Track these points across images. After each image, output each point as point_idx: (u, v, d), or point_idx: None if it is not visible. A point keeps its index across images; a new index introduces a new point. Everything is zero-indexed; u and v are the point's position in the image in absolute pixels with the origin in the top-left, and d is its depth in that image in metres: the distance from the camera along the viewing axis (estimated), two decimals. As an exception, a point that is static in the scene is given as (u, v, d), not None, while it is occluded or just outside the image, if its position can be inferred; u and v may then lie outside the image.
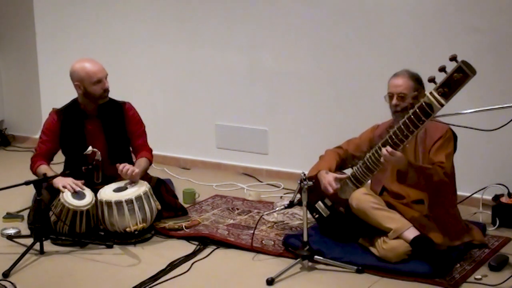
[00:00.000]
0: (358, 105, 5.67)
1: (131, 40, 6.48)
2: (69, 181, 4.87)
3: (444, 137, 4.50)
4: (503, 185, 5.16)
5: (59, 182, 4.87)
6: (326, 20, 5.69)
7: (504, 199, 5.06)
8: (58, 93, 6.26)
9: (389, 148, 4.27)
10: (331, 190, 4.58)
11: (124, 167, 4.89)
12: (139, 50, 6.47)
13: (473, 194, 5.25)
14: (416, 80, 4.46)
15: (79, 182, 4.89)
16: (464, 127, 4.48)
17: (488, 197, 5.20)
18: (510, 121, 4.25)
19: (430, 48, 5.32)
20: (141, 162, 5.07)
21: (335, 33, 5.67)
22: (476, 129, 4.41)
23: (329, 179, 4.59)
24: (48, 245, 4.78)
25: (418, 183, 4.42)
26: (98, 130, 5.10)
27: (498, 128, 4.31)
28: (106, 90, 5.01)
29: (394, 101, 4.45)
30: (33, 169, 5.05)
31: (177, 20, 6.27)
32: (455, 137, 4.56)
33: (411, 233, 4.38)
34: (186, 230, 5.00)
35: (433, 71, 4.24)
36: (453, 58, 4.04)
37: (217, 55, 6.15)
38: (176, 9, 6.26)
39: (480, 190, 5.25)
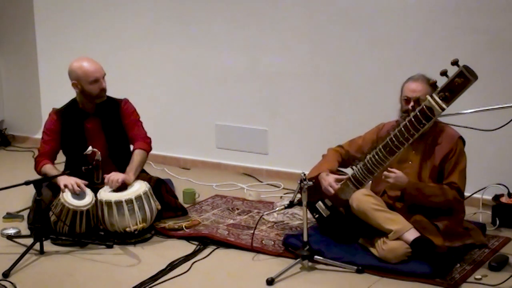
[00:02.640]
0: (358, 105, 5.67)
1: (131, 40, 6.48)
2: (72, 180, 4.86)
3: (456, 151, 4.47)
4: (503, 185, 5.16)
5: (61, 181, 4.88)
6: (326, 20, 5.69)
7: (504, 199, 5.06)
8: (58, 93, 6.24)
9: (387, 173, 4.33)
10: (332, 191, 4.58)
11: (109, 177, 4.88)
12: (139, 50, 6.46)
13: (473, 194, 5.25)
14: (431, 85, 4.41)
15: (82, 183, 4.88)
16: (465, 127, 4.48)
17: (488, 197, 5.20)
18: (510, 121, 4.26)
19: (430, 48, 5.32)
20: (134, 158, 5.05)
21: (335, 34, 5.67)
22: (476, 129, 4.42)
23: (329, 181, 4.59)
24: (48, 245, 4.78)
25: (426, 203, 4.44)
26: (98, 129, 5.10)
27: (498, 128, 4.31)
28: (103, 90, 5.01)
29: (411, 105, 4.42)
30: (38, 169, 5.06)
31: (177, 21, 6.26)
32: (464, 144, 4.54)
33: (412, 234, 4.38)
34: (186, 230, 5.00)
35: (432, 71, 4.25)
36: (455, 63, 4.05)
37: (217, 55, 6.15)
38: (176, 9, 6.25)
39: (480, 190, 5.25)
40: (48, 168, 5.00)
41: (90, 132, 5.10)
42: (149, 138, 5.18)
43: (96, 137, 5.08)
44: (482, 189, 5.25)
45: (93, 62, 5.01)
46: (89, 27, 6.64)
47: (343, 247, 4.60)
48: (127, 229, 4.79)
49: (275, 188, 5.89)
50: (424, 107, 4.17)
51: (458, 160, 4.47)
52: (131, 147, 5.19)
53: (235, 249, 4.78)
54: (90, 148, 4.97)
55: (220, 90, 6.21)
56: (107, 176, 4.90)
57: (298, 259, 4.46)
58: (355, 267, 4.41)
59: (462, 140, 4.53)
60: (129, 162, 5.03)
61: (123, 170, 5.00)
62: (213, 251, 4.76)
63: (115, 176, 4.88)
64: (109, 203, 4.80)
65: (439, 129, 4.52)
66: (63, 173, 4.93)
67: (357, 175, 4.52)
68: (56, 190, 4.90)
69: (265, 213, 5.09)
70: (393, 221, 4.42)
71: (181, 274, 4.46)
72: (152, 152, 5.24)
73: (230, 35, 6.08)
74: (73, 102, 5.15)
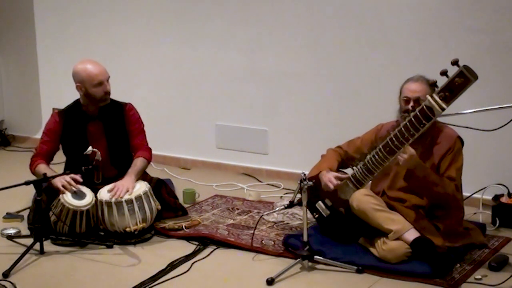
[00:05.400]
0: (358, 105, 5.67)
1: (131, 40, 6.48)
2: (67, 178, 4.86)
3: (453, 149, 4.48)
4: (503, 185, 5.16)
5: (58, 181, 4.87)
6: (326, 20, 5.69)
7: (504, 199, 5.06)
8: (58, 93, 6.27)
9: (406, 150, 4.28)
10: (331, 187, 4.57)
11: (116, 192, 4.84)
12: (139, 50, 6.46)
13: (473, 194, 5.25)
14: (431, 86, 4.40)
15: (77, 176, 4.86)
16: (464, 127, 4.48)
17: (488, 197, 5.20)
18: (510, 121, 4.25)
19: (430, 48, 5.32)
20: (137, 163, 5.06)
21: (335, 34, 5.67)
22: (476, 129, 4.41)
23: (329, 177, 4.59)
24: (48, 245, 4.78)
25: (426, 192, 4.43)
26: (100, 132, 5.09)
27: (498, 128, 4.31)
28: (107, 93, 5.01)
29: (411, 105, 4.42)
30: (32, 168, 5.04)
31: (177, 20, 6.26)
32: (462, 143, 4.54)
33: (412, 234, 4.38)
34: (186, 230, 5.00)
35: (432, 71, 4.25)
36: (455, 63, 4.05)
37: (217, 55, 6.15)
38: (177, 9, 6.25)
39: (480, 190, 5.25)
40: (42, 168, 4.98)
41: (92, 135, 5.09)
42: (151, 149, 5.19)
43: (98, 140, 5.07)
44: (482, 189, 5.25)
45: (97, 65, 4.99)
46: (89, 27, 6.64)
47: (343, 247, 4.60)
48: (127, 229, 4.79)
49: (275, 188, 5.89)
50: (424, 107, 4.17)
51: (455, 158, 4.48)
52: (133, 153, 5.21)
53: (235, 249, 4.78)
54: (90, 148, 4.97)
55: (220, 90, 6.21)
56: (113, 189, 4.87)
57: (298, 259, 4.46)
58: (355, 267, 4.40)
59: (460, 140, 4.53)
60: (131, 165, 5.04)
61: (123, 174, 5.00)
62: (213, 251, 4.76)
63: (124, 187, 4.85)
64: (109, 203, 4.80)
65: (438, 129, 4.53)
66: (63, 174, 4.92)
67: (357, 175, 4.52)
68: (54, 192, 4.88)
69: (265, 213, 5.09)
70: (393, 221, 4.43)
71: (181, 274, 4.46)
72: (153, 152, 5.24)
73: (230, 35, 6.08)
74: (76, 103, 5.14)
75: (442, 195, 4.42)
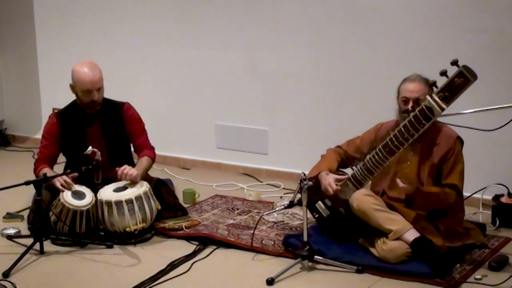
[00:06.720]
0: (358, 105, 5.67)
1: (131, 40, 6.48)
2: (65, 177, 4.86)
3: (454, 150, 4.47)
4: (503, 185, 5.16)
5: (56, 181, 4.87)
6: (326, 20, 5.69)
7: (504, 199, 5.06)
8: (58, 93, 6.26)
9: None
10: (331, 192, 4.58)
11: (124, 170, 4.88)
12: (139, 50, 6.46)
13: (473, 194, 5.25)
14: (430, 86, 4.40)
15: (75, 173, 4.87)
16: (464, 127, 4.48)
17: (488, 197, 5.20)
18: (510, 121, 4.26)
19: (429, 48, 5.32)
20: (143, 161, 5.07)
21: (335, 34, 5.67)
22: (476, 129, 4.41)
23: (329, 181, 4.59)
24: (48, 245, 4.78)
25: (429, 206, 4.44)
26: (98, 132, 5.09)
27: (498, 128, 4.31)
28: (93, 102, 4.98)
29: (410, 105, 4.42)
30: (36, 173, 5.04)
31: (177, 21, 6.26)
32: (462, 144, 4.54)
33: (412, 235, 4.38)
34: (186, 230, 5.00)
35: (432, 71, 4.25)
36: (455, 63, 4.05)
37: (217, 55, 6.15)
38: (177, 9, 6.25)
39: (480, 190, 5.25)
40: (45, 171, 4.98)
41: (91, 135, 5.08)
42: (154, 148, 5.20)
43: (96, 140, 5.07)
44: (482, 189, 5.24)
45: (92, 71, 4.95)
46: (89, 27, 6.64)
47: (343, 247, 4.60)
48: (127, 229, 4.79)
49: (275, 188, 5.89)
50: (423, 107, 4.17)
51: (456, 160, 4.47)
52: (134, 152, 5.20)
53: (235, 249, 4.78)
54: (90, 148, 4.97)
55: (220, 90, 6.21)
56: (120, 169, 4.89)
57: (298, 259, 4.46)
58: (355, 267, 4.41)
59: (460, 140, 4.53)
60: (138, 163, 5.04)
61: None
62: (213, 251, 4.76)
63: (131, 171, 4.87)
64: (109, 203, 4.80)
65: (437, 129, 4.52)
66: (63, 174, 4.92)
67: (357, 175, 4.52)
68: (56, 190, 4.89)
69: (265, 213, 5.09)
70: (393, 221, 4.43)
71: (181, 274, 4.47)
72: (155, 149, 5.24)
73: (230, 35, 6.07)
74: (73, 104, 5.13)
75: (444, 206, 4.43)
